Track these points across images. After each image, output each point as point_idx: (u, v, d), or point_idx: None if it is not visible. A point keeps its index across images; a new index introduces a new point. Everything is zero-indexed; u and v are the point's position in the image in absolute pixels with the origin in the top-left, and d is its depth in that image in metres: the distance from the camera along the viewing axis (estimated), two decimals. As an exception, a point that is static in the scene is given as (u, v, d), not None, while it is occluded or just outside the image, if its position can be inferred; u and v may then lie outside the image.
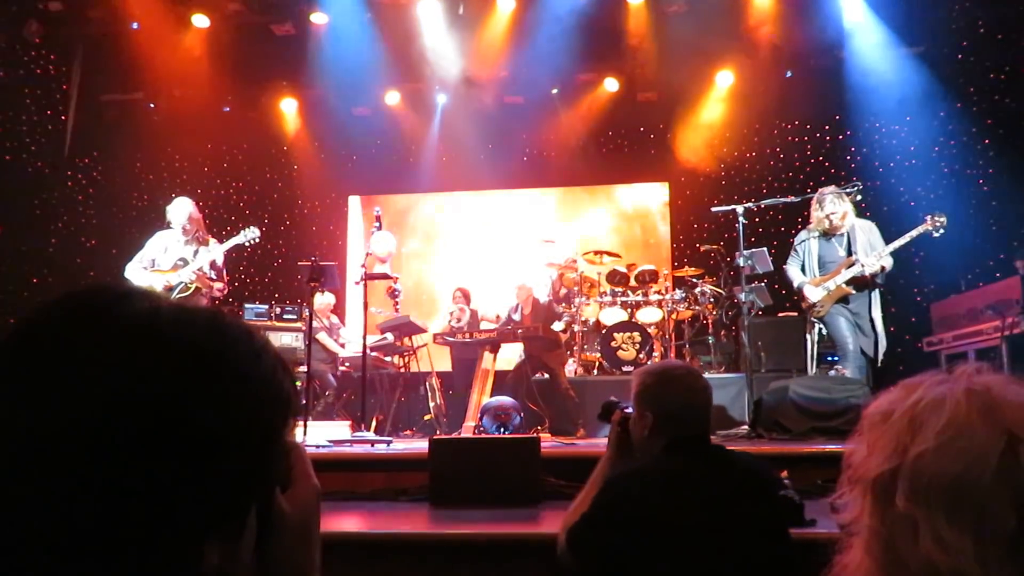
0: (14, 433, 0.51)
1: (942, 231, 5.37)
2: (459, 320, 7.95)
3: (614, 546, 1.88)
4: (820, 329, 5.63)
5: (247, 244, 5.99)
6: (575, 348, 7.53)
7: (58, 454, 0.50)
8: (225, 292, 5.94)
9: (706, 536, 1.81)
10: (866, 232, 5.47)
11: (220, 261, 5.83)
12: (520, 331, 6.64)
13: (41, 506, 0.50)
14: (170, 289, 5.54)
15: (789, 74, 8.82)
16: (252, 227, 5.98)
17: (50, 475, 0.50)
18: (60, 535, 0.50)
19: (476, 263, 9.80)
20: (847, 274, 5.38)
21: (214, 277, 5.78)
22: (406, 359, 7.48)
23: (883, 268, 5.36)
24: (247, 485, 0.58)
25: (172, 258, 5.68)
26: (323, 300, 7.99)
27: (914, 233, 5.38)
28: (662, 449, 2.03)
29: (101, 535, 0.51)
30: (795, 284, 5.62)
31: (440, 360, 7.69)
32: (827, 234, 5.52)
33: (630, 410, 2.19)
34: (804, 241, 5.63)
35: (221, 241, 5.91)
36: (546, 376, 6.81)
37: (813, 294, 5.46)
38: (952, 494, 0.70)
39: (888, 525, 0.73)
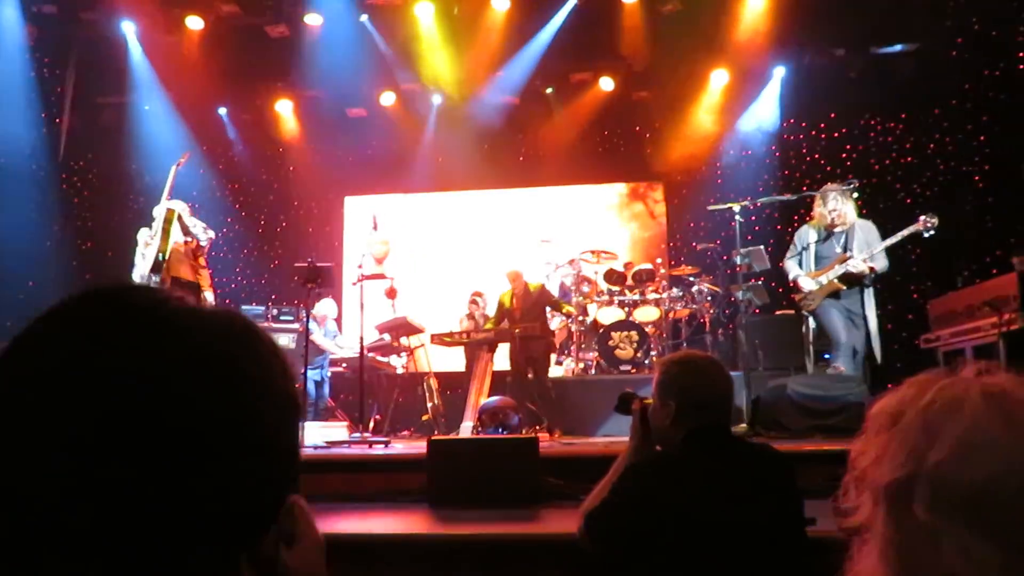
0: (20, 437, 0.50)
1: (933, 232, 5.41)
2: (474, 322, 7.88)
3: (630, 531, 1.90)
4: (813, 325, 5.65)
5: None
6: (572, 347, 7.52)
7: (62, 456, 0.49)
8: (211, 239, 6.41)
9: (723, 525, 1.81)
10: (865, 232, 5.55)
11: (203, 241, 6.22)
12: (518, 331, 6.63)
13: (45, 510, 0.49)
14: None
15: (783, 72, 8.83)
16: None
17: (55, 476, 0.49)
18: (62, 537, 0.49)
19: (473, 263, 9.77)
20: (839, 269, 5.45)
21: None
22: (404, 359, 7.46)
23: (872, 269, 5.41)
24: (268, 488, 0.57)
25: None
26: (324, 309, 7.96)
27: (905, 232, 5.47)
28: (682, 438, 2.03)
29: (116, 541, 0.49)
30: (791, 276, 5.68)
31: (437, 360, 7.68)
32: (827, 231, 5.58)
33: (649, 399, 2.19)
34: (804, 236, 5.71)
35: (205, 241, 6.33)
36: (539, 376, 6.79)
37: (807, 285, 5.52)
38: (977, 504, 0.67)
39: (905, 534, 0.70)
